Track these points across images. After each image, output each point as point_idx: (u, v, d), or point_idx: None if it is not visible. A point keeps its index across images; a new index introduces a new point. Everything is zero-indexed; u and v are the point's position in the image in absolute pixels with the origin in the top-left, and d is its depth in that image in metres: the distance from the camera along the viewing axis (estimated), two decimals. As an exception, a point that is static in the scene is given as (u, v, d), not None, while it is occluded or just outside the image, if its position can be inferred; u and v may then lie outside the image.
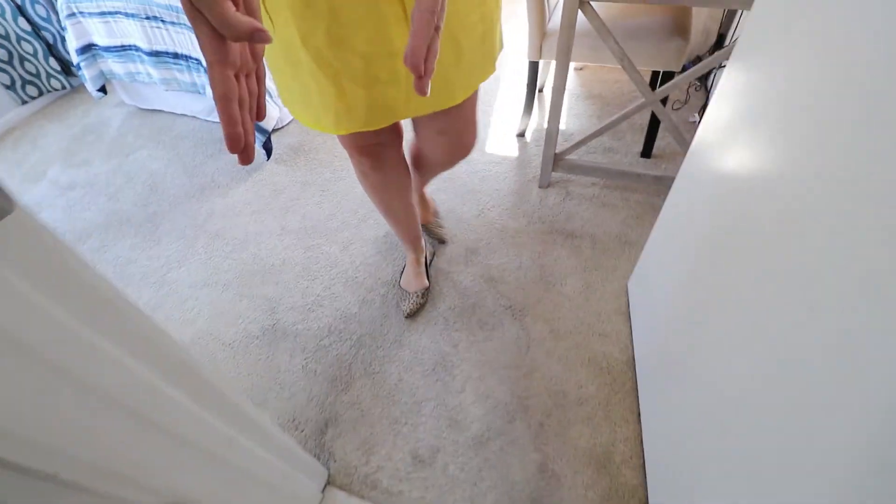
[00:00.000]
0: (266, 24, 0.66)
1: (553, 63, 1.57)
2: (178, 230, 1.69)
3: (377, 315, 1.35)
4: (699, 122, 1.85)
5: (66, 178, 2.00)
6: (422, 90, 0.41)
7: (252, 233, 1.64)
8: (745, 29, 0.74)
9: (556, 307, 1.32)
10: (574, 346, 1.23)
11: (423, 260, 1.39)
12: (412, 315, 1.32)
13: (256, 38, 0.35)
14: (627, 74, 1.31)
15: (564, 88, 1.36)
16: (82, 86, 2.56)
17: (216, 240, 1.63)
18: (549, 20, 1.57)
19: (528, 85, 1.73)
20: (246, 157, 0.38)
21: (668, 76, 1.48)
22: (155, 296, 1.48)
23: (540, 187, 1.66)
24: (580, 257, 1.44)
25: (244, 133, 0.38)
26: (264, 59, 0.43)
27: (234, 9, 0.35)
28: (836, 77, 0.49)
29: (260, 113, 0.41)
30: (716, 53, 1.22)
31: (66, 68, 2.53)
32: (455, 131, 0.95)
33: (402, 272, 1.40)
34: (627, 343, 1.22)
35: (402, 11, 0.65)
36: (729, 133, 0.75)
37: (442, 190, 1.70)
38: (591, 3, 1.19)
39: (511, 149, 1.85)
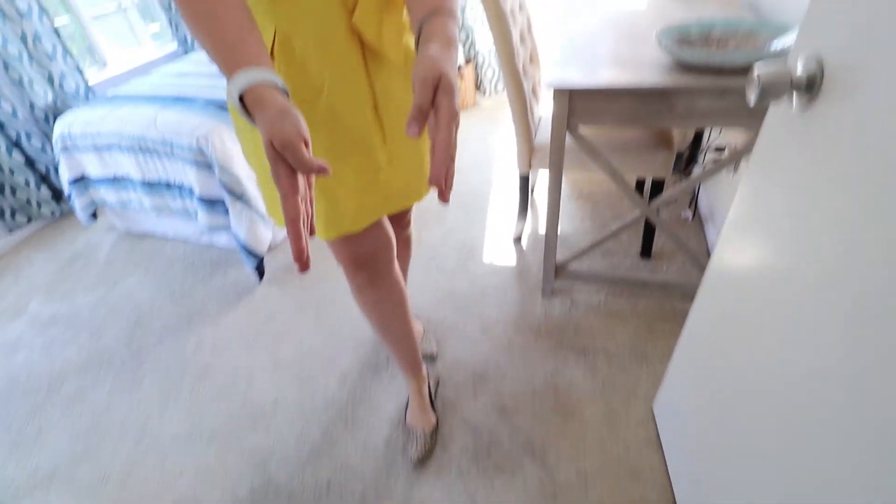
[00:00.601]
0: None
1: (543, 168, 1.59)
2: (163, 369, 1.57)
3: (382, 464, 1.21)
4: (692, 217, 1.87)
5: (47, 313, 1.90)
6: (445, 200, 0.48)
7: (242, 368, 1.53)
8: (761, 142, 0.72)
9: (579, 440, 1.20)
10: (607, 492, 1.09)
11: (427, 390, 1.28)
12: (421, 461, 1.18)
13: (322, 172, 0.47)
14: (618, 187, 1.31)
15: (559, 207, 1.35)
16: (72, 211, 2.56)
17: (202, 380, 1.52)
18: (535, 134, 1.61)
19: (520, 193, 1.74)
20: (305, 265, 0.47)
21: (658, 181, 1.49)
22: (133, 452, 1.33)
23: (543, 297, 1.61)
24: (596, 377, 1.34)
25: (307, 246, 0.47)
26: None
27: (308, 152, 0.46)
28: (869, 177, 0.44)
29: (312, 229, 0.50)
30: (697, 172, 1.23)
31: (58, 195, 2.54)
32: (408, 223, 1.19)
33: (407, 407, 1.29)
34: (664, 482, 1.09)
35: (381, 134, 0.80)
36: (756, 249, 0.70)
37: (441, 303, 1.64)
38: (579, 128, 1.21)
39: (509, 256, 1.82)
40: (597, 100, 1.14)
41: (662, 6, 1.63)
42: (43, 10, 2.34)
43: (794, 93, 0.56)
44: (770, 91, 0.54)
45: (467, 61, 3.01)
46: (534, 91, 1.66)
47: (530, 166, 1.59)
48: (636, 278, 1.53)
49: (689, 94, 1.07)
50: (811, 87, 0.53)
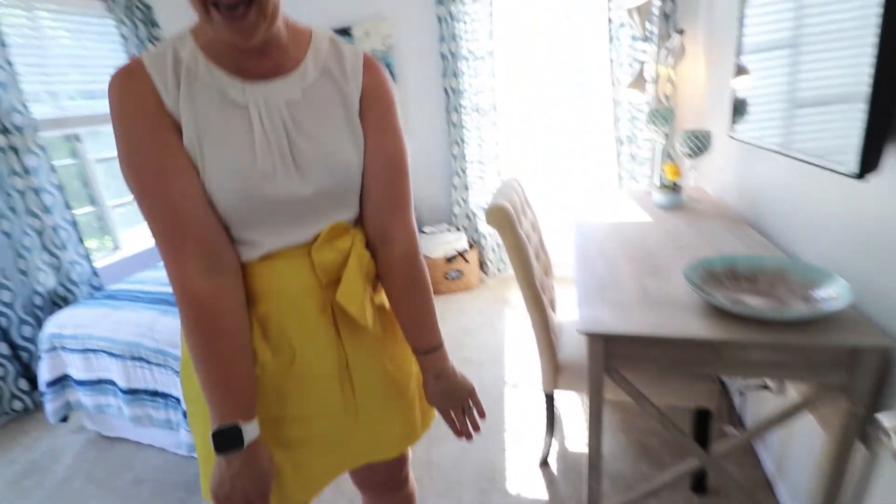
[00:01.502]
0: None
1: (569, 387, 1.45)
2: None
3: None
4: (736, 431, 1.68)
5: (-28, 556, 1.56)
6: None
7: None
8: None
9: None
10: None
11: None
12: None
13: None
14: (664, 428, 1.15)
15: (601, 460, 1.17)
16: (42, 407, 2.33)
17: None
18: (558, 350, 1.51)
19: (546, 412, 1.58)
20: None
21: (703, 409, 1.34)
22: None
23: (583, 550, 1.32)
24: None
25: None
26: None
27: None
28: None
29: None
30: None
31: (35, 387, 2.34)
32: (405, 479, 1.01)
33: None
34: None
35: (351, 393, 0.78)
36: None
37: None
38: (617, 371, 1.10)
39: (537, 486, 1.56)
40: (634, 345, 1.05)
41: (666, 222, 1.68)
42: (67, 204, 2.45)
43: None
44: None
45: (471, 245, 3.11)
46: (552, 303, 1.62)
47: (556, 385, 1.46)
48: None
49: (738, 345, 0.99)
50: None
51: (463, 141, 2.96)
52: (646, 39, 2.34)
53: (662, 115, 2.01)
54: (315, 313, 0.72)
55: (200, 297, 0.62)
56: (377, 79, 0.73)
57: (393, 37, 2.97)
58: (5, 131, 2.18)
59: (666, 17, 2.39)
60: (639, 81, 2.21)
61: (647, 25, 2.34)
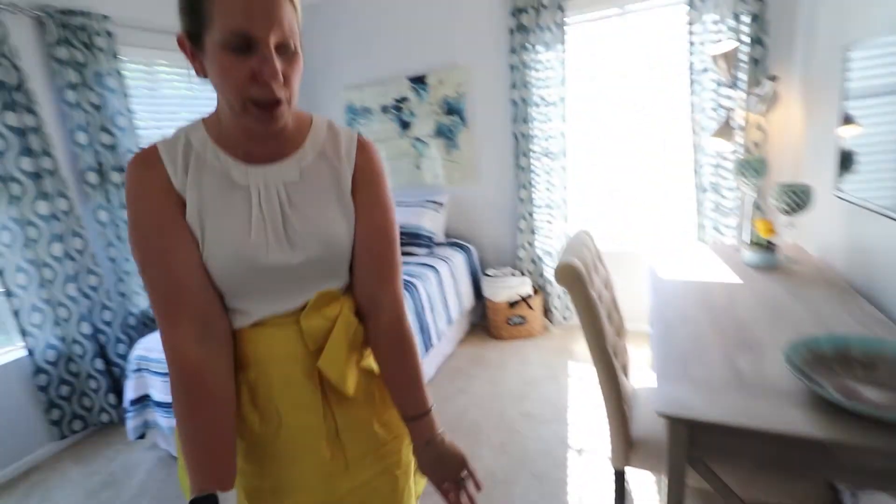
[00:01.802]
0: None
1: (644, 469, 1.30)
2: None
3: None
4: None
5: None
6: None
7: None
8: None
9: None
10: None
11: None
12: None
13: None
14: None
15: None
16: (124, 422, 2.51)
17: None
18: (632, 424, 1.38)
19: (615, 488, 1.43)
20: None
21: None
22: None
23: None
24: None
25: None
26: None
27: None
28: None
29: None
30: None
31: (121, 401, 2.54)
32: None
33: None
34: None
35: (343, 460, 0.77)
36: None
37: None
38: (704, 462, 0.98)
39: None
40: (725, 436, 0.93)
41: (758, 285, 1.52)
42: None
43: None
44: None
45: (535, 291, 3.02)
46: (624, 368, 1.50)
47: (628, 462, 1.33)
48: None
49: (854, 449, 0.84)
50: None
51: (531, 185, 2.93)
52: (733, 86, 2.21)
53: (753, 166, 1.85)
54: (301, 379, 0.74)
55: (190, 364, 0.67)
56: (369, 158, 0.79)
57: (465, 84, 3.06)
58: (121, 170, 2.47)
59: (755, 62, 2.25)
60: (725, 130, 2.07)
61: (734, 71, 2.21)
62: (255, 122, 0.66)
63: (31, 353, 2.20)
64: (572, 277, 1.20)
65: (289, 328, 0.73)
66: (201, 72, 0.66)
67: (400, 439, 0.84)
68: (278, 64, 0.63)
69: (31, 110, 2.15)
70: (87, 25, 2.34)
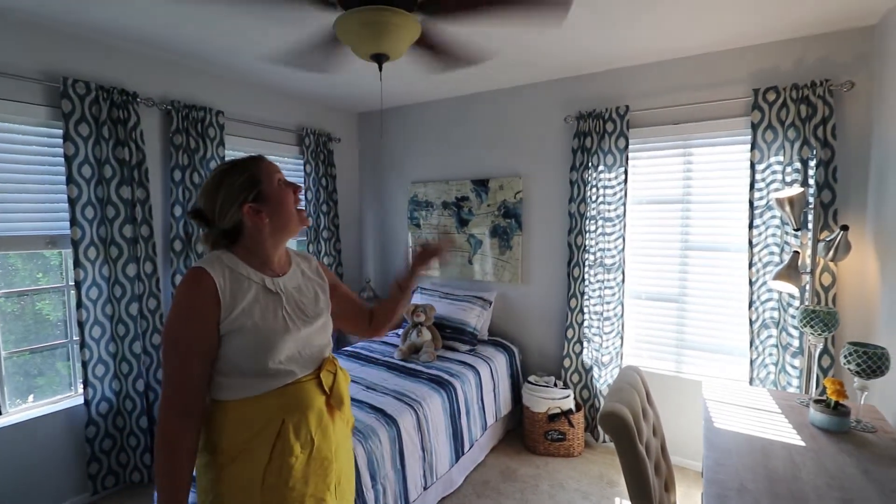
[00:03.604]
0: None
1: None
2: None
3: None
4: None
5: None
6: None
7: None
8: None
9: None
10: None
11: None
12: None
13: None
14: None
15: None
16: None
17: None
18: None
19: None
20: None
21: None
22: None
23: None
24: None
25: None
26: None
27: None
28: None
29: None
30: None
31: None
32: None
33: None
34: None
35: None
36: None
37: None
38: None
39: None
40: None
41: (826, 453, 1.38)
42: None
43: None
44: None
45: (578, 407, 2.88)
46: (671, 529, 1.38)
47: None
48: None
49: None
50: None
51: (583, 294, 2.92)
52: (798, 229, 2.18)
53: (822, 319, 1.76)
54: (326, 416, 1.12)
55: (172, 431, 0.98)
56: (324, 267, 1.32)
57: (524, 192, 3.21)
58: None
59: (824, 206, 2.23)
60: (791, 272, 2.01)
61: (801, 216, 2.19)
62: (298, 225, 1.15)
63: (87, 403, 2.33)
64: (619, 428, 1.16)
65: (313, 383, 1.11)
66: (263, 219, 1.08)
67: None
68: None
69: (143, 185, 2.48)
70: (205, 118, 2.74)
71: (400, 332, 3.22)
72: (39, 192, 2.27)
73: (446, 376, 2.55)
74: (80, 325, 2.29)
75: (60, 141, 2.25)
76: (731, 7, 2.01)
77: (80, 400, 2.35)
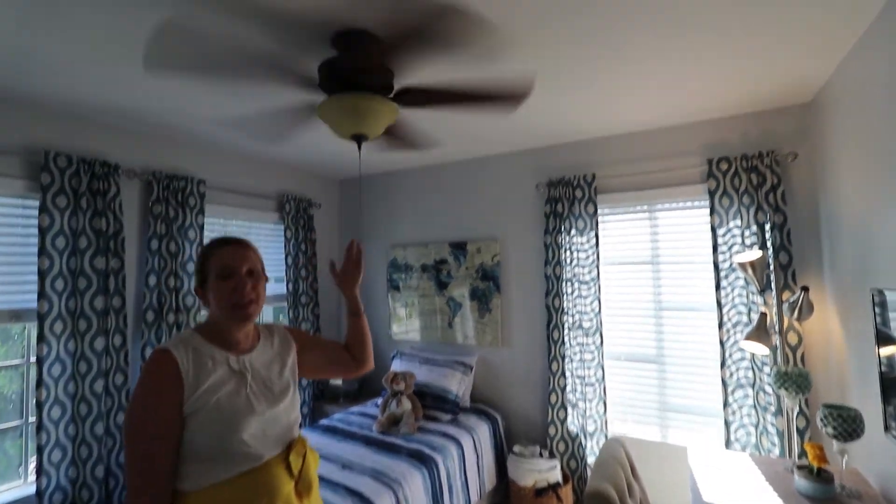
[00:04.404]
0: None
1: None
2: None
3: None
4: None
5: None
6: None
7: None
8: None
9: None
10: None
11: None
12: None
13: None
14: None
15: None
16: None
17: None
18: None
19: None
20: None
21: None
22: None
23: None
24: None
25: None
26: None
27: None
28: None
29: None
30: None
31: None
32: None
33: None
34: None
35: None
36: None
37: None
38: None
39: None
40: None
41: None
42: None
43: None
44: None
45: (566, 479, 2.78)
46: None
47: None
48: None
49: None
50: None
51: (563, 357, 2.92)
52: (763, 290, 2.28)
53: (795, 381, 1.81)
54: (294, 497, 1.10)
55: None
56: (293, 331, 1.33)
57: (501, 255, 3.29)
58: (177, 310, 2.67)
59: (783, 267, 2.34)
60: (759, 334, 2.07)
61: (763, 278, 2.30)
62: (238, 320, 1.11)
63: (39, 494, 2.14)
64: (605, 508, 1.13)
65: (281, 467, 1.09)
66: (206, 302, 1.11)
67: None
68: (248, 282, 1.12)
69: (118, 255, 2.44)
70: (186, 187, 2.77)
71: (379, 402, 3.12)
72: (7, 265, 2.21)
73: (427, 450, 2.45)
74: (39, 405, 2.15)
75: (36, 213, 2.23)
76: (676, 90, 2.22)
77: (32, 489, 2.16)
